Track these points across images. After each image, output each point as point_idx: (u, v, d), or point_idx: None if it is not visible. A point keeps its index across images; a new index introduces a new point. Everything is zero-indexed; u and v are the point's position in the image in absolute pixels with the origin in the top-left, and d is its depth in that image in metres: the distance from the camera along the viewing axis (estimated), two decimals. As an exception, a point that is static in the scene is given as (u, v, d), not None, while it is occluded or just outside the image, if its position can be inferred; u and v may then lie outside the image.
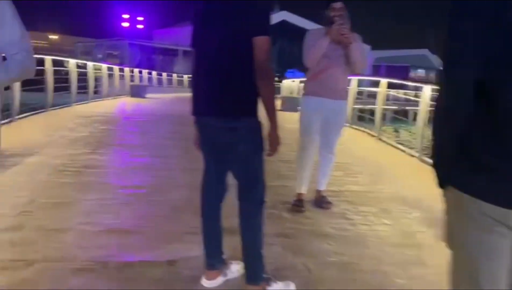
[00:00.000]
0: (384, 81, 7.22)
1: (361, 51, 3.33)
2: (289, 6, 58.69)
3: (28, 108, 7.48)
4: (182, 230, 2.76)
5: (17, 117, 6.51)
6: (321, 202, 3.46)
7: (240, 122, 1.92)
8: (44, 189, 3.38)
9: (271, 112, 1.92)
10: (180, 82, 24.35)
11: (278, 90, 33.81)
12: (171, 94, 20.89)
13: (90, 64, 10.80)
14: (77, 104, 9.69)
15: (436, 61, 76.34)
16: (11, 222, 2.69)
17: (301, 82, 21.37)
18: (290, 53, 56.13)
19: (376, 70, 63.78)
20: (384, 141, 6.86)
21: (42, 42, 65.79)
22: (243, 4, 1.89)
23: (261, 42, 1.85)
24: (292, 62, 55.95)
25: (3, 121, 6.10)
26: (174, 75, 22.61)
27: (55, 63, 8.80)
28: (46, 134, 5.61)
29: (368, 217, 3.29)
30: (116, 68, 13.64)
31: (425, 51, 75.15)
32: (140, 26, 52.64)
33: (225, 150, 1.99)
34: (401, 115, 16.05)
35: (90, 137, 5.61)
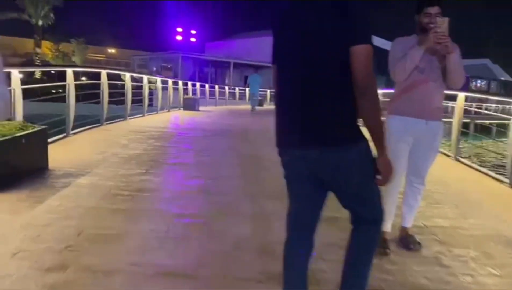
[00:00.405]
0: (462, 94, 6.31)
1: (460, 62, 2.78)
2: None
3: (83, 123, 7.44)
4: (248, 275, 2.32)
5: (72, 132, 6.43)
6: (408, 242, 2.90)
7: (350, 150, 1.51)
8: (94, 218, 3.07)
9: (379, 134, 1.52)
10: (232, 95, 24.30)
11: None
12: (224, 107, 20.88)
13: (145, 77, 10.78)
14: (131, 118, 9.65)
15: (497, 71, 72.43)
16: (55, 259, 2.37)
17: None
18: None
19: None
20: (463, 163, 6.13)
21: (101, 55, 69.02)
22: (338, 6, 1.44)
23: (362, 52, 1.44)
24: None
25: (57, 137, 6.04)
26: (226, 88, 22.51)
27: (112, 76, 8.80)
28: (99, 151, 5.42)
29: (468, 264, 2.69)
30: (170, 81, 13.64)
31: (486, 61, 71.33)
32: (193, 40, 53.75)
33: (331, 186, 1.60)
34: (480, 131, 14.89)
35: (144, 155, 5.36)
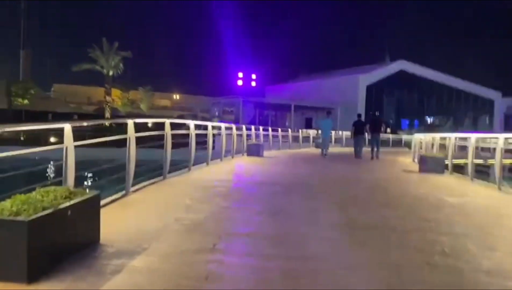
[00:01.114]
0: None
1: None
2: (406, 56, 56.14)
3: (146, 177, 6.85)
4: None
5: (132, 189, 5.79)
6: None
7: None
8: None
9: None
10: (295, 138, 23.49)
11: (400, 143, 30.71)
12: (288, 151, 20.01)
13: (209, 125, 10.24)
14: (195, 168, 9.02)
15: None
16: None
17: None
18: (408, 103, 53.08)
19: (509, 119, 56.91)
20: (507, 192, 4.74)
21: (167, 101, 72.14)
22: None
23: None
24: (410, 112, 52.77)
25: (115, 196, 5.40)
26: (289, 131, 21.76)
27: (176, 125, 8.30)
28: (160, 215, 4.67)
29: None
30: (234, 127, 13.08)
31: None
32: (253, 84, 54.34)
33: None
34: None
35: (210, 221, 4.52)
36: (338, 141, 27.99)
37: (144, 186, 6.47)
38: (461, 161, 14.76)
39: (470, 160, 9.57)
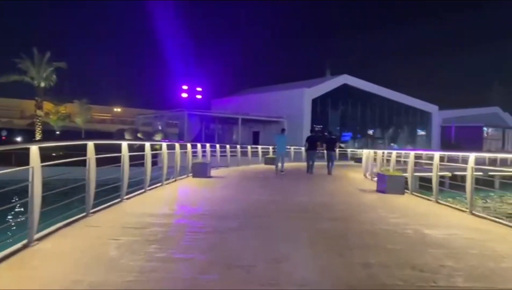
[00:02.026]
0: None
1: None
2: (350, 69, 57.33)
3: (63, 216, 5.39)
4: None
5: (35, 237, 4.34)
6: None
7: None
8: None
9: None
10: (244, 153, 22.38)
11: (346, 156, 30.59)
12: (237, 168, 18.81)
13: (147, 145, 8.84)
14: (129, 197, 7.60)
15: (508, 118, 70.87)
16: None
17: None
18: (351, 116, 53.93)
19: (445, 131, 59.59)
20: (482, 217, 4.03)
21: (107, 114, 68.64)
22: None
23: None
24: (353, 125, 53.63)
25: (16, 247, 3.96)
26: (238, 147, 20.61)
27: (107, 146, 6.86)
28: (71, 277, 3.31)
29: None
30: (177, 145, 11.72)
31: (496, 109, 70.06)
32: (199, 96, 52.85)
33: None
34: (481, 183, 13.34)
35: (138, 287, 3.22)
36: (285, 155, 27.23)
37: (58, 229, 5.02)
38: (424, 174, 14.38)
39: (434, 180, 8.90)
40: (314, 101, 45.91)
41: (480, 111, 65.98)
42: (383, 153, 16.53)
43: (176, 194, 9.06)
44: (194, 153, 15.02)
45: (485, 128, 60.51)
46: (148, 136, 37.26)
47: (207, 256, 4.22)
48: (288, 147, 19.37)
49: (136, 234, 4.96)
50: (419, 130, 58.63)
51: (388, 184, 10.15)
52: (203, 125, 43.25)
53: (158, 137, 36.40)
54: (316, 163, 17.34)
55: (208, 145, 15.98)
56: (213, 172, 15.02)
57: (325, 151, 18.23)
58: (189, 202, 7.92)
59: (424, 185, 11.46)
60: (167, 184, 10.47)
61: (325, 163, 17.81)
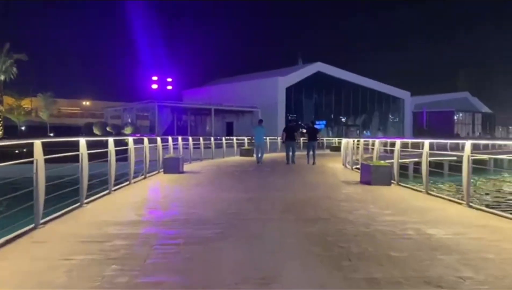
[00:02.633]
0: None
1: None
2: (323, 58, 56.90)
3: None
4: None
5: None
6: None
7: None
8: None
9: None
10: (218, 146, 21.54)
11: (322, 145, 30.04)
12: (211, 161, 17.97)
13: (110, 140, 7.92)
14: (90, 201, 6.71)
15: (477, 103, 72.44)
16: None
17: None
18: (326, 104, 53.65)
19: (417, 116, 60.26)
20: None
21: (76, 108, 66.20)
22: None
23: None
24: (328, 113, 53.38)
25: None
26: (212, 139, 19.74)
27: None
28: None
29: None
30: (146, 140, 10.79)
31: (466, 94, 71.49)
32: (169, 87, 51.31)
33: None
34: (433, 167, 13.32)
35: None
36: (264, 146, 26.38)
37: (5, 243, 4.15)
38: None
39: (424, 169, 8.35)
40: (288, 90, 45.33)
41: (451, 97, 67.14)
42: (356, 141, 16.08)
43: (145, 194, 8.17)
44: (166, 147, 14.12)
45: (456, 114, 61.50)
46: (118, 130, 35.86)
47: (180, 278, 3.44)
48: (265, 137, 19.30)
49: (93, 250, 4.12)
50: (392, 117, 59.05)
51: (373, 175, 9.57)
52: (175, 116, 42.00)
53: (128, 130, 35.05)
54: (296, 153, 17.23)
55: (180, 138, 15.06)
56: (187, 167, 14.16)
57: (306, 141, 18.20)
58: (159, 204, 7.05)
59: (402, 173, 10.98)
60: (135, 182, 9.58)
61: (303, 153, 17.84)
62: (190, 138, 16.69)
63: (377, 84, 55.30)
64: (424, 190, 8.31)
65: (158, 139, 12.43)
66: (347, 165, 15.70)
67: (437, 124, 56.11)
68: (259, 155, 16.87)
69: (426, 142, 8.42)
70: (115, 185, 8.16)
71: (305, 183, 10.18)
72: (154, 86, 49.41)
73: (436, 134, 47.90)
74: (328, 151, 31.37)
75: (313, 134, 17.44)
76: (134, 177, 9.70)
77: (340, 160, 17.93)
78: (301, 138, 23.40)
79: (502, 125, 71.88)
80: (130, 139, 9.48)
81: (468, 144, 6.76)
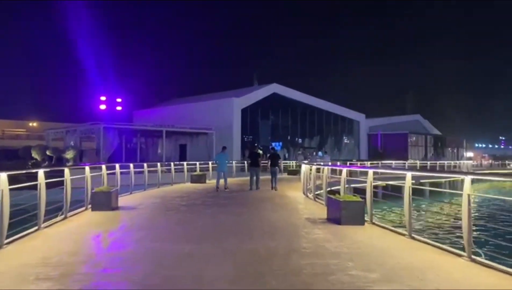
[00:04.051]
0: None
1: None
2: (279, 79, 56.22)
3: None
4: None
5: None
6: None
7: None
8: None
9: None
10: (168, 170, 19.49)
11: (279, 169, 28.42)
12: (157, 191, 15.75)
13: (40, 172, 5.91)
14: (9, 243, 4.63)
15: (428, 125, 74.37)
16: None
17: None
18: (282, 125, 52.60)
19: (372, 138, 60.57)
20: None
21: (21, 130, 61.84)
22: None
23: None
24: (284, 134, 52.31)
25: None
26: (159, 165, 17.66)
27: None
28: None
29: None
30: (67, 171, 8.71)
31: (418, 117, 73.15)
32: (119, 108, 48.48)
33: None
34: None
35: None
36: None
37: None
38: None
39: (406, 210, 6.86)
40: (244, 111, 43.85)
41: (404, 119, 68.33)
42: (316, 168, 14.61)
43: (54, 249, 6.01)
44: (113, 174, 11.97)
45: (409, 136, 62.34)
46: (59, 153, 32.75)
47: None
48: (228, 161, 18.73)
49: None
50: (347, 139, 58.95)
51: (344, 212, 8.00)
52: (124, 139, 39.22)
53: (69, 154, 32.04)
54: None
55: (117, 165, 12.96)
56: (124, 200, 12.10)
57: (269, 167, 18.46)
58: (70, 270, 5.00)
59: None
60: (47, 227, 7.45)
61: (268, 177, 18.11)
62: (132, 165, 14.59)
63: (333, 106, 55.14)
64: (407, 233, 6.81)
65: (87, 168, 10.32)
66: (308, 194, 14.19)
67: (391, 146, 56.50)
68: (221, 182, 16.73)
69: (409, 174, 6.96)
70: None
71: (264, 224, 8.35)
72: (103, 107, 46.52)
73: (391, 156, 47.88)
74: (285, 175, 29.90)
75: (274, 160, 17.74)
76: (46, 221, 7.58)
77: (300, 187, 16.45)
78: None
79: (451, 146, 73.95)
80: (40, 172, 7.33)
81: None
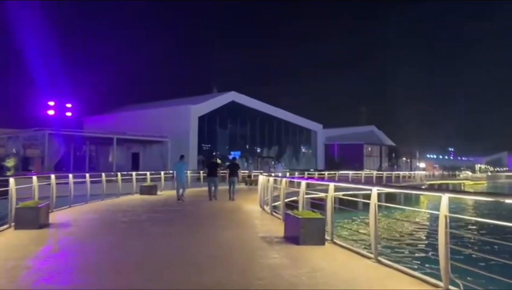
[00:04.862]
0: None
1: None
2: (237, 87, 55.48)
3: None
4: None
5: None
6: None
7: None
8: None
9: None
10: (114, 180, 18.04)
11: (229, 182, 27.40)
12: (99, 203, 14.30)
13: None
14: None
15: (382, 136, 76.10)
16: None
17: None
18: (240, 134, 51.81)
19: (328, 149, 61.02)
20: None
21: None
22: None
23: None
24: (242, 144, 51.52)
25: None
26: (103, 175, 16.22)
27: None
28: None
29: None
30: (12, 181, 7.37)
31: (372, 127, 74.67)
32: (68, 114, 45.90)
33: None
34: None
35: None
36: (169, 179, 22.97)
37: None
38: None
39: (372, 231, 6.13)
40: (201, 119, 42.66)
41: (359, 130, 69.49)
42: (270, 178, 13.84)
43: None
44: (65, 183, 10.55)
45: (364, 147, 63.28)
46: (-2, 161, 30.30)
47: None
48: (186, 171, 18.62)
49: None
50: (304, 148, 58.98)
51: (303, 231, 7.18)
52: (72, 146, 36.96)
53: (10, 162, 29.66)
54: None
55: (53, 176, 11.56)
56: (60, 214, 10.76)
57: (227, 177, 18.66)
58: None
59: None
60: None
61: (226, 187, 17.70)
62: (71, 175, 13.18)
63: (291, 116, 55.04)
64: (373, 256, 6.06)
65: (11, 179, 8.95)
66: (265, 207, 13.33)
67: (347, 156, 57.03)
68: (180, 192, 16.59)
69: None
70: None
71: (215, 247, 7.29)
72: (51, 112, 43.86)
73: (347, 166, 48.14)
74: (243, 185, 28.98)
75: (233, 170, 17.83)
76: None
77: (257, 198, 15.57)
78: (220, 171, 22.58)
79: (405, 156, 75.85)
80: None
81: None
